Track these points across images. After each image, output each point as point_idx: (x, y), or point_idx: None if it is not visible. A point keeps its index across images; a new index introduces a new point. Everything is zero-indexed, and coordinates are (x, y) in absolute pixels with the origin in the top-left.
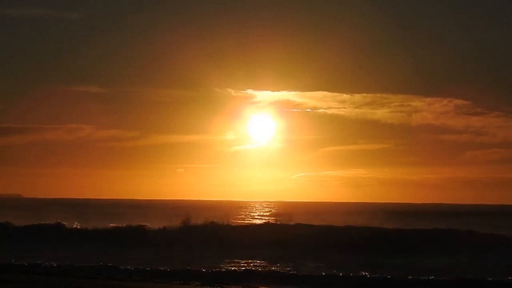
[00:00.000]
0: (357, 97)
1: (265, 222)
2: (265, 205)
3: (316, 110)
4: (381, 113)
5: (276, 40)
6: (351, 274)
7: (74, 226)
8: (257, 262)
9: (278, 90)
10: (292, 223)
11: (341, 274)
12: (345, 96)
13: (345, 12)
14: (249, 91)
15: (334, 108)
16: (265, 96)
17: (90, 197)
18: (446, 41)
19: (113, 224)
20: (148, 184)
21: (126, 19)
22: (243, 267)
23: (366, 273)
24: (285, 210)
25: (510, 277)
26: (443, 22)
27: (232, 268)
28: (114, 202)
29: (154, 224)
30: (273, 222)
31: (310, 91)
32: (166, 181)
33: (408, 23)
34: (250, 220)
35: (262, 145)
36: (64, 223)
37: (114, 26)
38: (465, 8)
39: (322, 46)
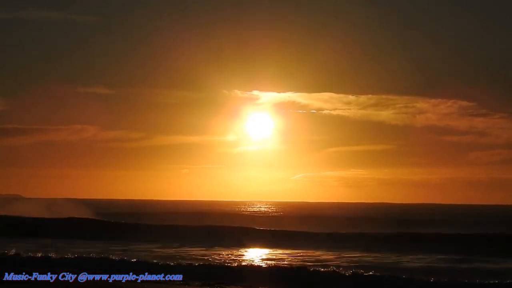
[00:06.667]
0: (362, 98)
1: None
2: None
3: (321, 111)
4: (385, 114)
5: (281, 42)
6: None
7: None
8: None
9: (283, 91)
10: None
11: None
12: (351, 98)
13: (352, 13)
14: (255, 92)
15: (339, 109)
16: (270, 97)
17: (94, 198)
18: (451, 42)
19: None
20: (152, 185)
21: (132, 20)
22: None
23: None
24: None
25: None
26: (448, 23)
27: None
28: (116, 203)
29: None
30: None
31: (316, 92)
32: (171, 182)
33: (414, 24)
34: None
35: (266, 146)
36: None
37: (119, 28)
38: (470, 9)
39: (328, 48)
